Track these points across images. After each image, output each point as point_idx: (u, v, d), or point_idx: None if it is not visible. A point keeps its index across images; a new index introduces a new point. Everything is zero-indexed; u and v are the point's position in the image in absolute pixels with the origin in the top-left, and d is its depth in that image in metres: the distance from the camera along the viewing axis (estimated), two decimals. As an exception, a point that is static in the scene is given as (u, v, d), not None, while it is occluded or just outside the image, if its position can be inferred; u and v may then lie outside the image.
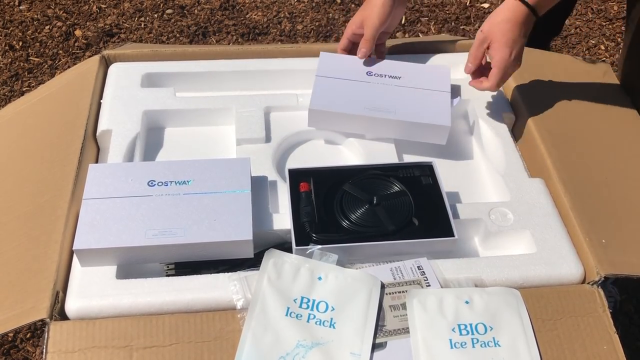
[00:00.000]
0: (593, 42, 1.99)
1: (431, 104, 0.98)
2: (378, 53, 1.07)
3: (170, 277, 0.78)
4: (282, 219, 0.84)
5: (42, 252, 0.78)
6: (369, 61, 1.04)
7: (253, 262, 0.80)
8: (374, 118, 0.95)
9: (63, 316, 0.74)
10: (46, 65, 1.87)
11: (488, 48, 0.90)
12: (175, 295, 0.75)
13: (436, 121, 0.95)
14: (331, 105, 0.96)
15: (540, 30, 0.92)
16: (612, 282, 1.09)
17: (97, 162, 0.96)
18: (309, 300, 0.74)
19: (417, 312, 0.74)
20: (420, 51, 1.14)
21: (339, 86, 0.99)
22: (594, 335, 0.75)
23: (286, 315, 0.73)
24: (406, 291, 0.76)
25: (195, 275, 0.77)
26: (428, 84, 1.01)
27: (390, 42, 1.13)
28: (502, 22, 0.86)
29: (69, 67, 1.84)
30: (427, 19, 2.05)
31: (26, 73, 1.84)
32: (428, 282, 0.77)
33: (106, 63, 1.09)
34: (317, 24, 2.01)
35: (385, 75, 1.02)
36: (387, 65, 1.04)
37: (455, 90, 1.02)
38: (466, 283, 0.78)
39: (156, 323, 0.73)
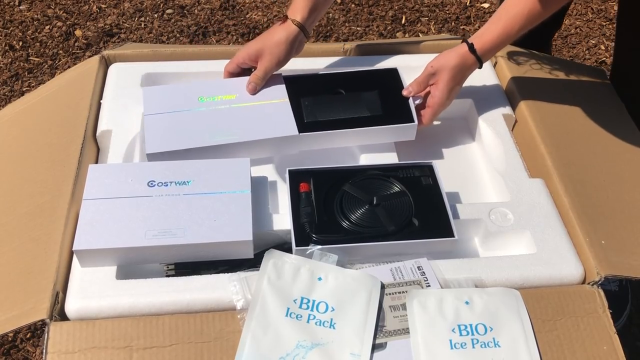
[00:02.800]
0: (593, 42, 1.99)
1: (273, 117, 0.93)
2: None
3: (170, 278, 0.78)
4: (282, 219, 0.84)
5: (42, 252, 0.78)
6: (196, 85, 0.99)
7: (253, 263, 0.80)
8: (221, 145, 0.90)
9: (63, 317, 0.74)
10: (46, 65, 1.87)
11: (433, 83, 0.96)
12: (175, 296, 0.75)
13: (284, 132, 0.92)
14: (171, 144, 0.89)
15: (540, 24, 0.92)
16: (625, 293, 1.08)
17: (97, 162, 0.96)
18: (309, 301, 0.74)
19: (417, 313, 0.74)
20: (420, 51, 1.14)
21: (174, 121, 0.92)
22: (594, 336, 0.75)
23: (286, 315, 0.73)
24: (406, 291, 0.76)
25: (195, 276, 0.77)
26: (265, 96, 0.96)
27: (390, 42, 1.12)
28: (454, 68, 0.93)
29: (69, 67, 1.84)
30: (427, 19, 2.05)
31: (26, 73, 1.84)
32: (428, 283, 0.77)
33: (106, 63, 1.09)
34: (317, 24, 2.02)
35: (218, 98, 0.96)
36: (217, 86, 0.98)
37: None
38: (466, 283, 0.78)
39: (156, 323, 0.73)
